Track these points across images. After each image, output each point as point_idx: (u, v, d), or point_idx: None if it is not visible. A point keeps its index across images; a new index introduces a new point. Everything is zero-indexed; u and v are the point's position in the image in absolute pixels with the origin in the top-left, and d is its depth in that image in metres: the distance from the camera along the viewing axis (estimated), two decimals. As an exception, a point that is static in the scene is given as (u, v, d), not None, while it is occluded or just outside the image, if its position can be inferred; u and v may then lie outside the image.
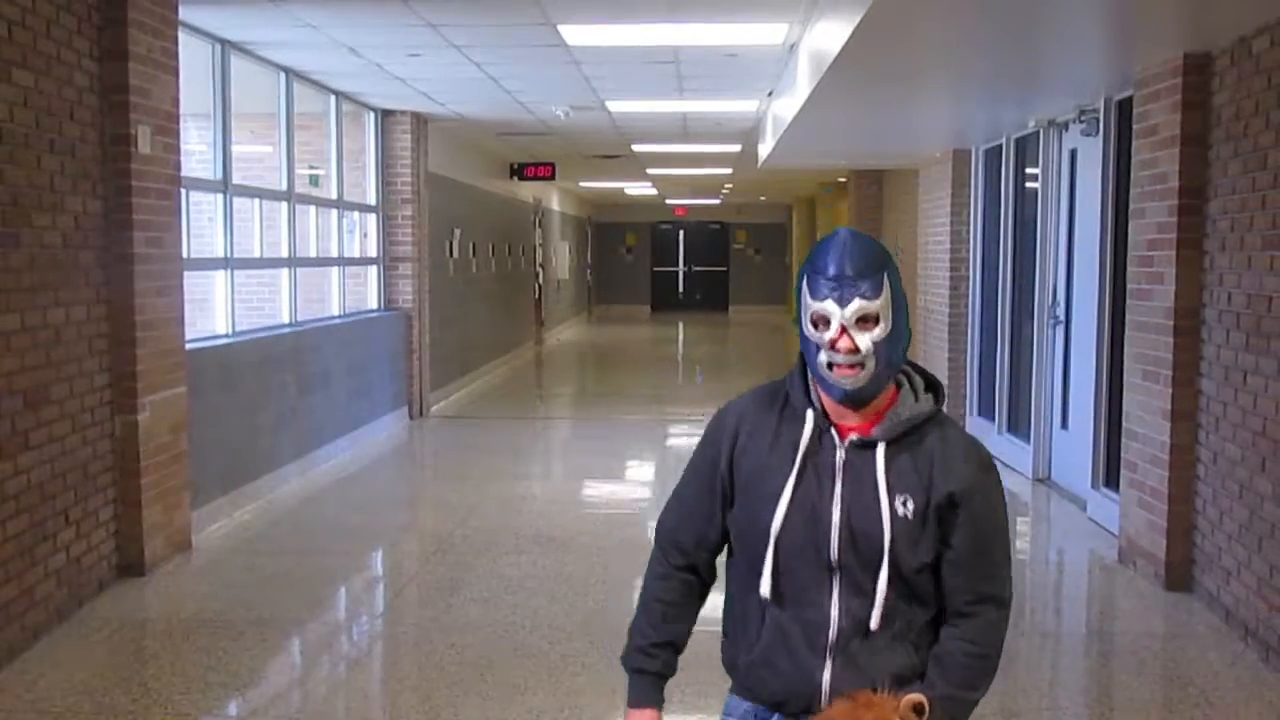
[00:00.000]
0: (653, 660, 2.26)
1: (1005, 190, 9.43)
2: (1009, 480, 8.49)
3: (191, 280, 6.95)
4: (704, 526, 2.25)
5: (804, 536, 2.10)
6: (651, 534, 2.47)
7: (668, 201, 27.39)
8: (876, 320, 2.07)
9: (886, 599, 2.08)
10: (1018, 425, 9.25)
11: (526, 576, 5.94)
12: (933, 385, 2.20)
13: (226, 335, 7.52)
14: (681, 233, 30.92)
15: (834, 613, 2.09)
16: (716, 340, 21.07)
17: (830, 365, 2.08)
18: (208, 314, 7.75)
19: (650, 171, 17.12)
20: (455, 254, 12.13)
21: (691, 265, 31.30)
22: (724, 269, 31.07)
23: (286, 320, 8.67)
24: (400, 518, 7.24)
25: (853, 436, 2.12)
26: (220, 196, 7.47)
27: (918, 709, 1.98)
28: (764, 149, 11.25)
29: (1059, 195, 8.29)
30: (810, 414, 2.13)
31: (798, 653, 2.12)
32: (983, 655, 2.12)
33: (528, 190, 16.55)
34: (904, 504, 2.08)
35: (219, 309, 7.60)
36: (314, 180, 9.73)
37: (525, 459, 9.09)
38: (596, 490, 7.91)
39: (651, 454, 9.14)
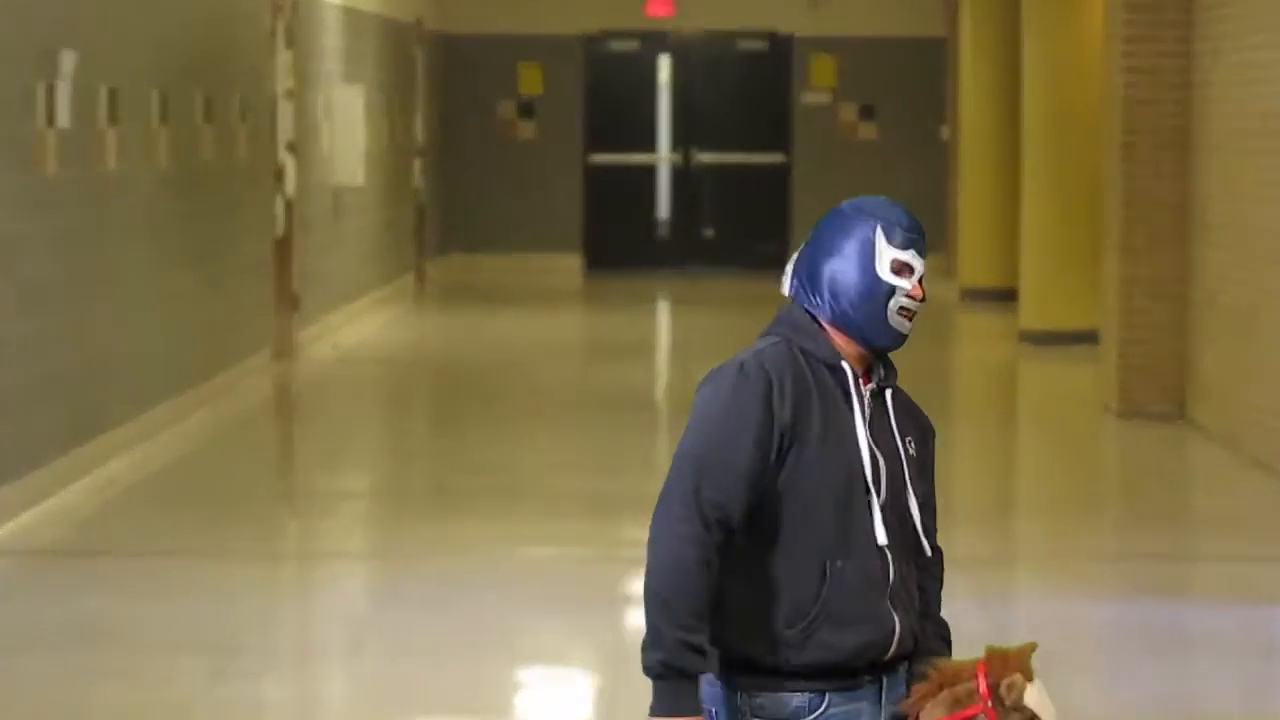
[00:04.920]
0: (697, 658, 2.79)
1: None
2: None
3: None
4: (751, 495, 2.87)
5: (862, 484, 2.92)
6: None
7: None
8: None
9: (921, 536, 2.99)
10: None
11: None
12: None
13: None
14: (666, 61, 22.90)
15: (890, 557, 2.92)
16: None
17: (905, 311, 2.94)
18: None
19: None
20: (61, 120, 10.58)
21: (692, 151, 23.17)
22: (780, 159, 23.33)
23: None
24: None
25: (871, 385, 2.98)
26: None
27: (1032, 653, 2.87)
28: None
29: None
30: (846, 365, 2.95)
31: (869, 601, 2.90)
32: (942, 584, 3.10)
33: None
34: (910, 444, 3.00)
35: None
36: None
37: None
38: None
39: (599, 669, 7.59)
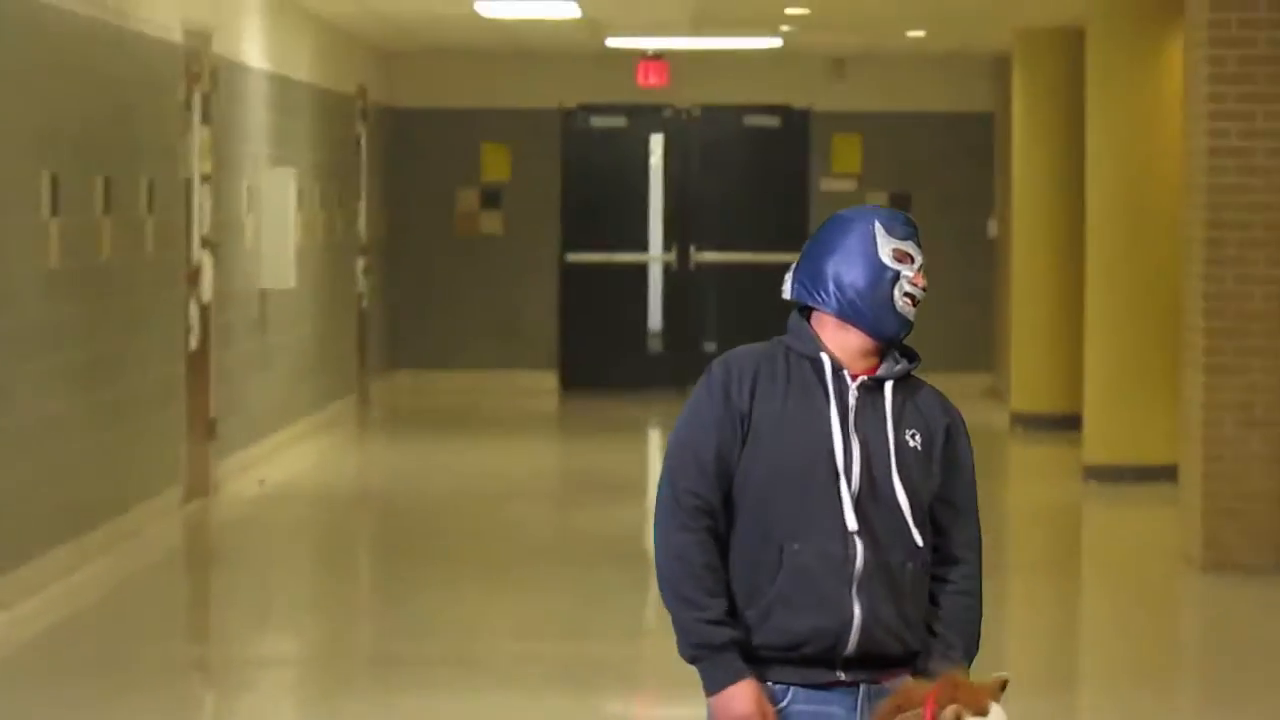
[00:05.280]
0: (734, 628, 3.57)
1: None
2: None
3: None
4: (722, 481, 3.65)
5: (828, 469, 3.64)
6: None
7: (612, 44, 21.41)
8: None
9: (911, 528, 3.64)
10: None
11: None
12: (909, 350, 3.78)
13: None
14: (659, 141, 23.52)
15: (859, 544, 3.58)
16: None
17: (909, 297, 3.67)
18: None
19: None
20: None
21: (690, 249, 23.01)
22: (795, 260, 22.03)
23: None
24: None
25: (864, 378, 3.71)
26: None
27: (1003, 686, 3.42)
28: None
29: None
30: (825, 356, 3.70)
31: (825, 586, 3.57)
32: (978, 609, 3.75)
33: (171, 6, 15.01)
34: (913, 437, 3.69)
35: None
36: None
37: None
38: None
39: None
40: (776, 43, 21.07)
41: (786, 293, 3.76)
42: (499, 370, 23.03)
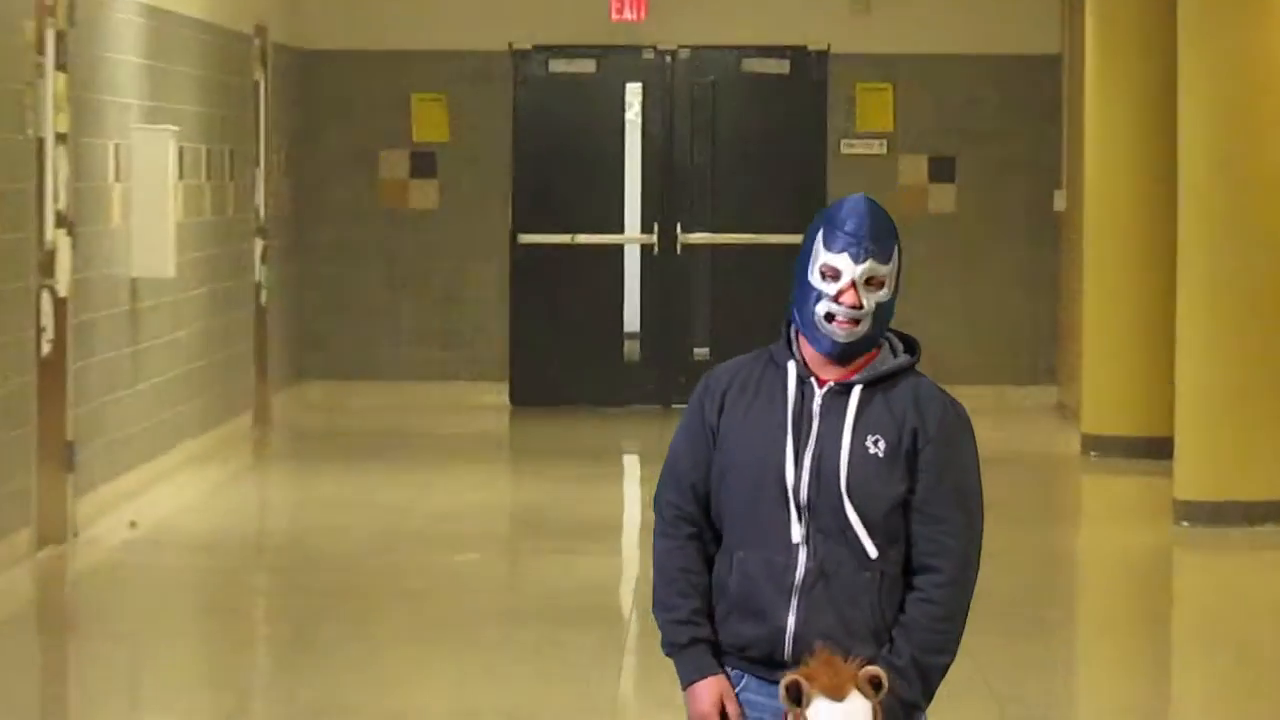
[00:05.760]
0: (700, 627, 4.61)
1: None
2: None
3: None
4: (701, 492, 4.65)
5: (776, 479, 4.53)
6: None
7: None
8: (882, 284, 4.50)
9: (862, 539, 4.50)
10: None
11: None
12: (911, 344, 4.66)
13: None
14: (637, 91, 24.15)
15: (801, 555, 4.51)
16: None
17: (829, 317, 4.48)
18: None
19: None
20: None
21: (676, 228, 23.73)
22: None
23: None
24: None
25: (831, 384, 4.55)
26: None
27: (874, 682, 4.29)
28: None
29: None
30: (792, 364, 4.57)
31: (764, 595, 4.54)
32: (946, 618, 4.51)
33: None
34: (875, 443, 4.48)
35: None
36: None
37: None
38: None
39: None
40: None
41: None
42: (434, 382, 23.14)
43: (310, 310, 23.30)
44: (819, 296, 4.51)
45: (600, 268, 23.95)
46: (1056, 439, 17.79)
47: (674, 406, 23.53)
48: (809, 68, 22.85)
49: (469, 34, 22.47)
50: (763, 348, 4.75)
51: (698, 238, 23.38)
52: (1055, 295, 20.78)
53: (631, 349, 24.07)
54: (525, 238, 23.51)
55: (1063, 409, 18.77)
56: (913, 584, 4.56)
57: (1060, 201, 20.81)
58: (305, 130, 22.99)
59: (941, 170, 22.19)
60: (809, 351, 4.62)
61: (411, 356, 23.12)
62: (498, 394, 23.36)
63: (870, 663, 4.40)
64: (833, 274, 4.50)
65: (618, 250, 23.95)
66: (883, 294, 4.54)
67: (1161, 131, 16.14)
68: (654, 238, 23.74)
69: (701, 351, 23.44)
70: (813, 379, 4.61)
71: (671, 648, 4.68)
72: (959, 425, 4.61)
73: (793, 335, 4.67)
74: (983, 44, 21.93)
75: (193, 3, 18.61)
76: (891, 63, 22.50)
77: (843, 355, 4.59)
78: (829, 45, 22.28)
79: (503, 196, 22.86)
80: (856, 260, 4.49)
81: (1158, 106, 16.66)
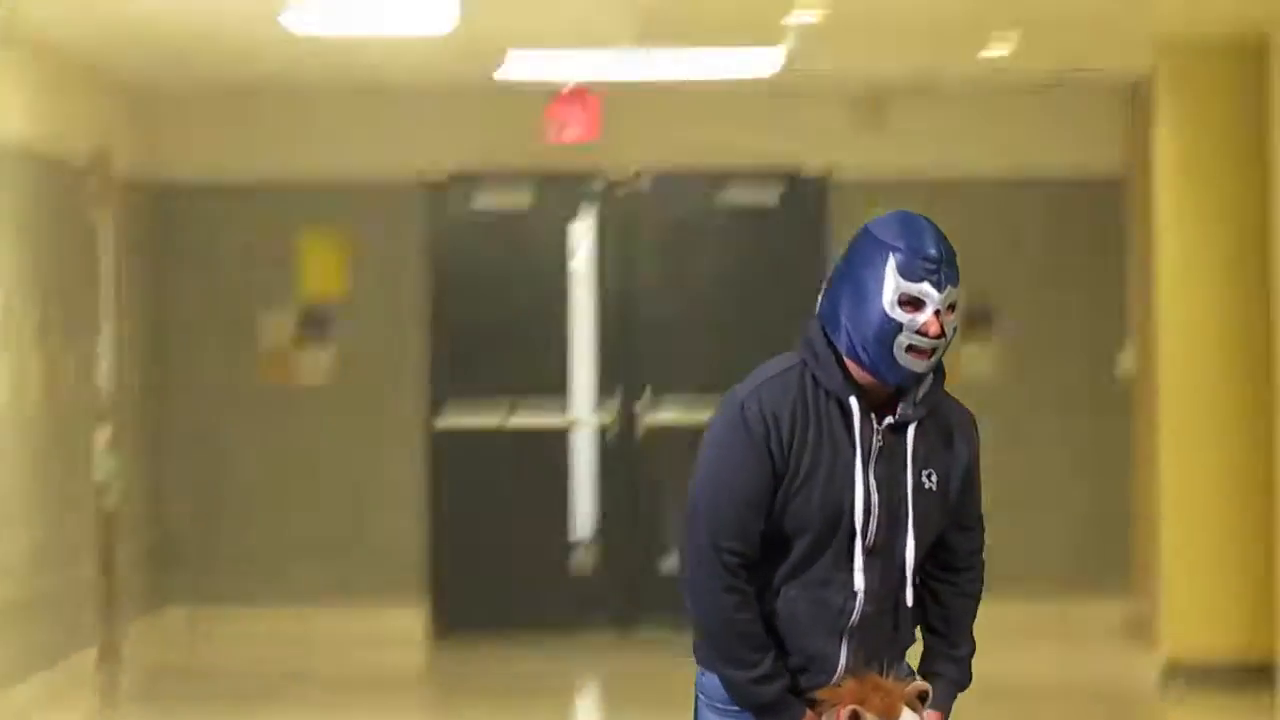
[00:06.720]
0: (784, 677, 5.34)
1: None
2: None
3: None
4: (757, 532, 5.24)
5: (848, 523, 5.23)
6: None
7: (505, 76, 21.20)
8: (954, 307, 5.03)
9: (908, 571, 5.29)
10: None
11: None
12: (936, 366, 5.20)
13: None
14: (589, 229, 23.49)
15: (860, 598, 5.25)
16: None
17: (911, 349, 4.98)
18: None
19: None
20: None
21: (637, 404, 23.60)
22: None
23: None
24: None
25: (889, 419, 5.15)
26: None
27: (921, 696, 5.14)
28: None
29: None
30: (854, 400, 5.11)
31: (815, 636, 5.33)
32: (978, 601, 5.53)
33: None
34: (929, 477, 5.16)
35: None
36: None
37: None
38: None
39: None
40: (774, 65, 20.16)
41: (819, 307, 5.10)
42: (332, 606, 22.52)
43: (171, 517, 22.18)
44: (898, 328, 5.01)
45: (541, 457, 22.92)
46: (1130, 665, 17.75)
47: (633, 630, 23.11)
48: (803, 197, 21.70)
49: (371, 161, 21.38)
50: (786, 360, 5.26)
51: (665, 417, 22.34)
52: (1123, 483, 20.04)
53: (582, 559, 23.02)
54: (445, 420, 22.40)
55: (1136, 627, 18.26)
56: (949, 580, 5.44)
57: (1126, 363, 20.15)
58: (162, 285, 21.72)
59: (977, 325, 21.11)
60: (861, 376, 5.17)
61: (301, 574, 22.35)
62: (413, 619, 22.77)
63: (908, 675, 5.29)
64: (915, 304, 5.01)
65: (562, 435, 22.96)
66: (954, 318, 5.09)
67: (1256, 270, 16.03)
68: (610, 418, 22.65)
69: (671, 562, 21.95)
70: (872, 415, 5.19)
71: (759, 707, 5.24)
72: (978, 436, 5.43)
73: (835, 355, 5.18)
74: (1022, 164, 21.01)
75: (15, 124, 17.84)
76: (909, 189, 20.91)
77: (907, 386, 5.19)
78: (830, 168, 21.23)
79: (416, 367, 21.79)
80: (939, 288, 5.01)
81: (1253, 238, 16.35)
